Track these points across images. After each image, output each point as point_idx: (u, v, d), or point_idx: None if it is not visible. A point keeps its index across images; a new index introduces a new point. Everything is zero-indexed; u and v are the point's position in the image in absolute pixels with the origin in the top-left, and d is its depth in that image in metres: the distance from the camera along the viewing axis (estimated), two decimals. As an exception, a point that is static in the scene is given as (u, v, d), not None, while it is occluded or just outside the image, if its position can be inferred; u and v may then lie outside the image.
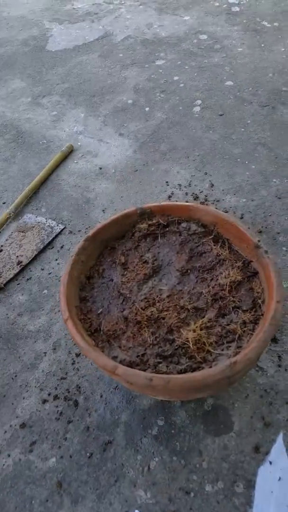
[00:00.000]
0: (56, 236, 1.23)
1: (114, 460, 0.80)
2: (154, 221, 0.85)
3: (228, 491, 0.74)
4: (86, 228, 1.24)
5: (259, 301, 0.68)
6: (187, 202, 1.26)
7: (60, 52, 2.04)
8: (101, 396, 0.89)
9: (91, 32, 2.16)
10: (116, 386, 0.89)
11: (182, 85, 1.73)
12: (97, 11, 2.33)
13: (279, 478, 0.72)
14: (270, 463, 0.75)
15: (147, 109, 1.64)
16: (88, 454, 0.81)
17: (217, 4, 2.25)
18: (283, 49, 1.87)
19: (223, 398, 0.87)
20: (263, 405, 0.85)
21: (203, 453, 0.79)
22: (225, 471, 0.76)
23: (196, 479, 0.76)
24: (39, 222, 1.28)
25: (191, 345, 0.63)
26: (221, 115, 1.57)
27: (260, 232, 1.16)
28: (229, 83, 1.71)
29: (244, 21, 2.09)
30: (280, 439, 0.79)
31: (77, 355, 0.95)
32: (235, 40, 1.96)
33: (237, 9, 2.19)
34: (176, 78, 1.77)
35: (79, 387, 0.90)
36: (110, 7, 2.36)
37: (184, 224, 0.84)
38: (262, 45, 1.91)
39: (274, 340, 0.95)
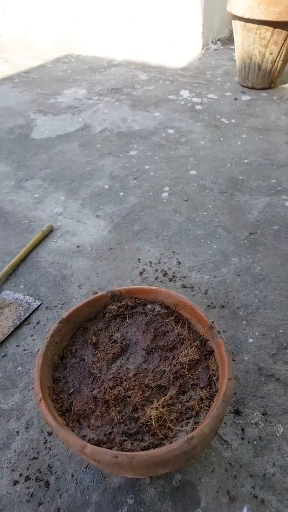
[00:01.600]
0: (33, 312, 1.30)
1: None
2: (123, 303, 0.95)
3: None
4: (62, 304, 1.32)
5: (214, 378, 0.76)
6: (156, 279, 1.37)
7: (44, 140, 2.26)
8: (72, 476, 0.90)
9: (72, 123, 2.41)
10: (87, 465, 0.91)
11: (152, 173, 1.94)
12: (78, 105, 2.62)
13: None
14: (234, 539, 0.78)
15: (121, 193, 1.82)
16: (57, 538, 0.81)
17: (183, 102, 2.59)
18: (239, 143, 2.15)
19: (190, 473, 0.90)
20: (228, 479, 0.89)
21: (170, 532, 0.81)
22: None
23: None
24: (16, 299, 1.35)
25: (153, 423, 0.69)
26: (186, 200, 1.76)
27: (223, 307, 1.27)
28: (193, 172, 1.94)
29: (206, 117, 2.40)
30: (243, 513, 0.82)
31: (49, 433, 0.98)
32: (198, 134, 2.24)
33: (200, 107, 2.53)
34: (147, 167, 1.99)
35: (51, 467, 0.92)
36: (89, 102, 2.66)
37: (149, 306, 0.94)
38: (221, 139, 2.19)
39: (238, 412, 1.01)
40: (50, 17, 4.05)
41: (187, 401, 0.75)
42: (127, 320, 0.93)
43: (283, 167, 1.93)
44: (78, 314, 0.90)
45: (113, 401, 0.74)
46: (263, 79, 2.62)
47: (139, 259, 1.46)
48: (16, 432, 0.99)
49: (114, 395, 0.75)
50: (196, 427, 0.69)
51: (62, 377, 0.81)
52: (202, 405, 0.73)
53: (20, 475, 0.91)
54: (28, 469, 0.92)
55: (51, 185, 1.90)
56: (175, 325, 0.89)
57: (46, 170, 2.00)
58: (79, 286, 1.38)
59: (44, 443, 0.96)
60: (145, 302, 0.95)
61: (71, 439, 0.65)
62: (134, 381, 0.78)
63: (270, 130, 2.24)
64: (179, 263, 1.44)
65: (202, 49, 3.43)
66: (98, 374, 0.80)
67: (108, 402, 0.74)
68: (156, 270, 1.41)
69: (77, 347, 0.87)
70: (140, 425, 0.71)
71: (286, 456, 0.93)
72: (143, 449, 0.68)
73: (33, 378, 0.72)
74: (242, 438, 0.96)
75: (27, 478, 0.90)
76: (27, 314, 1.29)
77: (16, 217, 1.71)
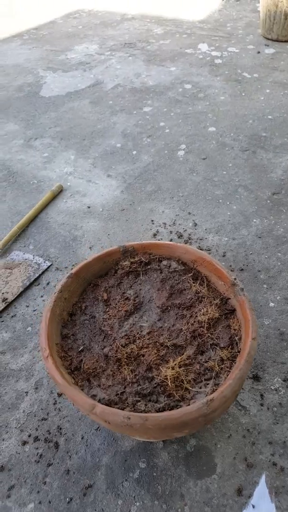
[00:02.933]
0: (43, 273, 1.25)
1: (94, 505, 0.77)
2: (136, 259, 0.88)
3: (210, 537, 0.72)
4: (73, 265, 1.26)
5: (236, 338, 0.69)
6: (170, 241, 1.30)
7: (53, 98, 2.15)
8: (82, 438, 0.87)
9: (82, 80, 2.28)
10: (98, 428, 0.88)
11: (167, 130, 1.82)
12: (89, 61, 2.48)
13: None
14: (253, 506, 0.74)
15: (134, 152, 1.72)
16: (67, 499, 0.78)
17: (201, 56, 2.42)
18: (262, 98, 2.00)
19: (205, 438, 0.85)
20: (245, 445, 0.85)
21: (185, 497, 0.77)
22: (207, 515, 0.74)
23: (178, 525, 0.74)
24: (26, 259, 1.29)
25: (169, 383, 0.64)
26: (204, 159, 1.65)
27: (242, 270, 1.20)
28: (212, 129, 1.81)
29: (226, 72, 2.24)
30: (262, 481, 0.78)
31: (59, 395, 0.94)
32: (217, 89, 2.09)
33: (219, 61, 2.35)
34: (162, 124, 1.87)
35: (60, 428, 0.89)
36: (101, 57, 2.51)
37: (165, 262, 0.87)
38: (243, 94, 2.04)
39: (257, 378, 0.95)
40: None
41: (206, 362, 0.68)
42: (141, 277, 0.86)
43: (309, 123, 1.79)
44: (87, 269, 0.83)
45: (125, 360, 0.69)
46: (289, 30, 2.41)
47: (152, 221, 1.38)
48: (25, 392, 0.96)
49: (126, 353, 0.69)
50: (216, 389, 0.62)
51: (71, 334, 0.75)
52: (222, 366, 0.67)
53: (29, 435, 0.88)
54: (37, 430, 0.89)
55: (61, 144, 1.80)
56: (193, 283, 0.82)
57: (56, 128, 1.90)
58: (90, 248, 1.31)
59: (54, 404, 0.93)
60: (160, 259, 0.88)
61: (79, 398, 0.60)
62: (148, 339, 0.72)
63: (295, 85, 2.07)
64: (195, 224, 1.36)
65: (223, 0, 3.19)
66: (109, 332, 0.75)
67: (120, 360, 0.69)
68: (171, 232, 1.34)
69: (87, 303, 0.81)
70: (155, 385, 0.65)
71: (309, 423, 0.87)
72: (158, 410, 0.62)
73: (40, 334, 0.67)
74: (261, 404, 0.90)
75: (36, 439, 0.87)
76: (37, 275, 1.24)
77: (25, 176, 1.64)
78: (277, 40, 2.50)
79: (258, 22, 2.66)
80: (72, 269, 1.23)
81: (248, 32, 2.69)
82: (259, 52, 2.41)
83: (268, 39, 2.55)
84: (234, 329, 0.71)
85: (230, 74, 2.22)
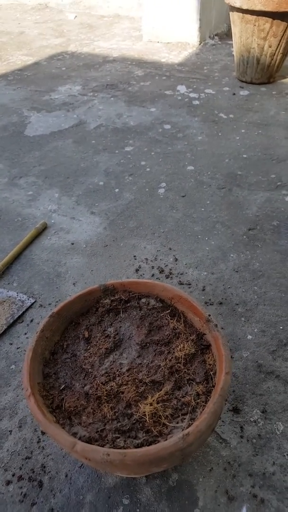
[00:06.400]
0: (27, 310, 1.27)
1: None
2: (116, 297, 0.92)
3: None
4: (57, 301, 1.29)
5: (211, 373, 0.73)
6: (152, 276, 1.35)
7: (38, 137, 2.23)
8: (66, 476, 0.88)
9: (66, 120, 2.39)
10: (82, 465, 0.89)
11: (148, 169, 1.92)
12: (72, 102, 2.60)
13: None
14: (233, 540, 0.75)
15: (116, 190, 1.79)
16: (50, 540, 0.79)
17: (180, 98, 2.57)
18: (237, 138, 2.12)
19: (187, 472, 0.87)
20: (226, 478, 0.87)
21: (167, 533, 0.78)
22: None
23: None
24: (10, 297, 1.32)
25: (147, 419, 0.67)
26: (183, 196, 1.73)
27: (221, 303, 1.25)
28: (190, 167, 1.91)
29: (204, 113, 2.38)
30: (242, 513, 0.80)
31: (43, 433, 0.95)
32: (195, 129, 2.22)
33: (197, 102, 2.50)
34: (143, 163, 1.97)
35: (44, 467, 0.89)
36: (84, 98, 2.64)
37: (144, 300, 0.91)
38: (219, 134, 2.17)
39: (236, 410, 0.98)
40: (45, 16, 4.02)
41: (183, 397, 0.72)
42: (121, 315, 0.90)
43: (282, 162, 1.90)
44: (69, 308, 0.87)
45: (105, 397, 0.72)
46: (261, 73, 2.59)
47: (135, 256, 1.44)
48: (9, 431, 0.96)
49: (106, 390, 0.72)
50: (192, 423, 0.66)
51: (53, 373, 0.78)
52: (198, 400, 0.70)
53: (13, 475, 0.88)
54: (21, 468, 0.89)
55: (45, 182, 1.87)
56: (171, 319, 0.86)
57: (40, 167, 1.98)
58: (74, 284, 1.35)
59: (38, 442, 0.94)
60: (139, 296, 0.92)
61: (61, 436, 0.62)
62: (127, 376, 0.76)
63: (269, 125, 2.22)
64: (176, 259, 1.41)
65: (200, 44, 3.41)
66: (90, 370, 0.78)
67: (100, 398, 0.72)
68: (153, 267, 1.39)
69: (68, 342, 0.85)
70: (134, 421, 0.68)
71: (286, 454, 0.90)
72: (137, 446, 0.65)
73: (22, 374, 0.69)
74: (241, 437, 0.93)
75: (20, 478, 0.88)
76: (21, 312, 1.26)
77: (10, 214, 1.69)
78: (251, 83, 2.68)
79: (233, 65, 2.86)
80: (55, 307, 1.27)
81: (224, 74, 2.88)
82: (234, 94, 2.58)
83: (242, 81, 2.73)
84: (209, 364, 0.75)
85: (207, 115, 2.35)
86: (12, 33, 4.02)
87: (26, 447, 0.93)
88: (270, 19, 2.30)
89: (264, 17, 2.30)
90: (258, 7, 2.24)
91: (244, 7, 2.30)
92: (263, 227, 1.53)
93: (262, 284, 1.30)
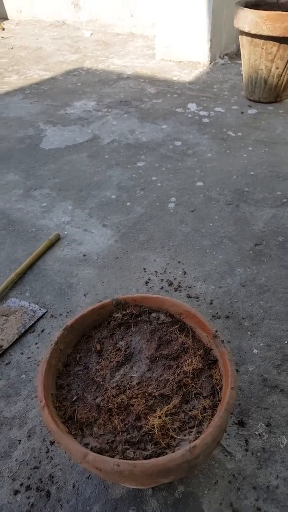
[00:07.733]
0: (38, 320, 1.31)
1: None
2: (128, 311, 0.95)
3: None
4: (68, 312, 1.32)
5: (218, 387, 0.76)
6: (161, 288, 1.38)
7: (53, 151, 2.29)
8: (74, 486, 0.89)
9: (81, 134, 2.45)
10: (89, 476, 0.91)
11: (159, 184, 1.96)
12: (87, 117, 2.67)
13: None
14: None
15: (128, 204, 1.84)
16: None
17: (190, 115, 2.63)
18: (245, 155, 2.16)
19: (193, 485, 0.89)
20: (231, 491, 0.88)
21: None
22: None
23: None
24: (22, 306, 1.36)
25: (156, 432, 0.69)
26: (192, 211, 1.77)
27: (228, 317, 1.27)
28: (200, 183, 1.95)
29: (213, 130, 2.43)
30: (246, 528, 0.81)
31: (51, 443, 0.97)
32: (205, 146, 2.27)
33: (207, 120, 2.56)
34: (154, 178, 2.01)
35: (52, 477, 0.91)
36: (98, 114, 2.71)
37: (154, 314, 0.94)
38: (228, 151, 2.21)
39: (242, 424, 1.00)
40: (62, 32, 4.15)
41: (190, 410, 0.74)
42: (132, 329, 0.93)
43: (289, 179, 1.94)
44: (82, 321, 0.90)
45: (116, 410, 0.74)
46: (269, 93, 2.65)
47: (144, 269, 1.47)
48: (18, 440, 0.98)
49: (117, 403, 0.75)
50: (198, 437, 0.68)
51: (66, 384, 0.81)
52: (205, 414, 0.72)
53: (21, 484, 0.90)
54: (29, 478, 0.91)
55: (59, 194, 1.92)
56: (180, 334, 0.89)
57: (55, 179, 2.03)
58: (85, 295, 1.38)
59: (46, 452, 0.96)
60: (149, 311, 0.95)
61: (73, 447, 0.65)
62: (137, 389, 0.78)
63: (276, 143, 2.26)
64: (185, 273, 1.44)
65: (210, 63, 3.49)
66: (101, 382, 0.80)
67: (111, 410, 0.74)
68: (162, 280, 1.42)
69: (81, 354, 0.87)
70: (143, 433, 0.71)
71: (291, 469, 0.91)
72: (146, 458, 0.67)
73: (37, 385, 0.72)
74: (246, 450, 0.95)
75: (28, 488, 0.89)
76: (32, 322, 1.29)
77: (24, 225, 1.73)
78: (259, 102, 2.74)
79: (242, 84, 2.91)
80: (66, 317, 1.30)
81: (233, 93, 2.94)
82: (242, 113, 2.63)
83: (251, 100, 2.78)
84: (216, 379, 0.77)
85: (217, 133, 2.40)
86: (30, 48, 4.15)
87: (34, 457, 0.95)
88: (277, 43, 2.38)
89: (271, 41, 2.38)
90: (266, 32, 2.33)
91: (253, 31, 2.38)
92: (269, 242, 1.56)
93: (268, 299, 1.32)
